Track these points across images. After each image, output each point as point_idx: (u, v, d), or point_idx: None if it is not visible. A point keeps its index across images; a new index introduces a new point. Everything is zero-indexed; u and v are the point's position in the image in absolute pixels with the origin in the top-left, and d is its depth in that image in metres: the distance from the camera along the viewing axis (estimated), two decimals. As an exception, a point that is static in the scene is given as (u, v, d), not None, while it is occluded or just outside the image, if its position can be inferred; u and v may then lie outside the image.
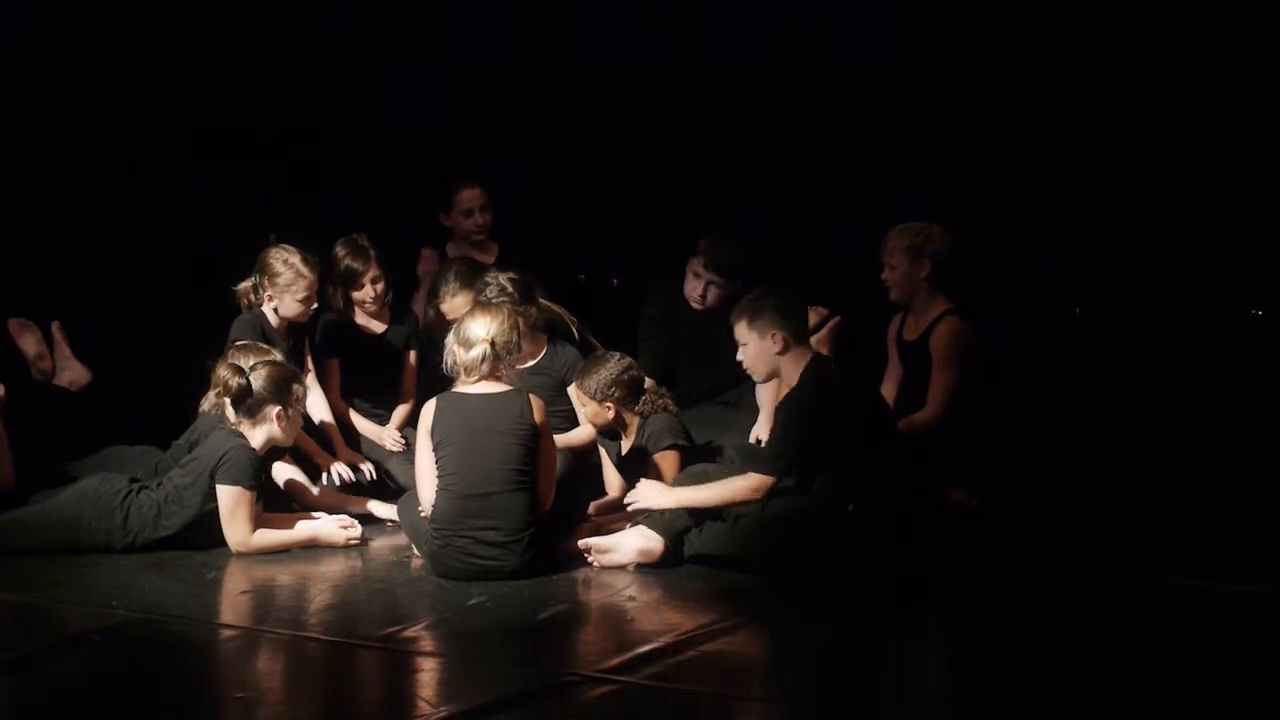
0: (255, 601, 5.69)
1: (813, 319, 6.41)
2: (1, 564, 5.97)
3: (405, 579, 5.95)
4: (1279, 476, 6.92)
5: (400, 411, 7.35)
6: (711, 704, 4.64)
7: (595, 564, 5.98)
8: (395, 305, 7.39)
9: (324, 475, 6.82)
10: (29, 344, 7.04)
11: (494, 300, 6.70)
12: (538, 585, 5.75)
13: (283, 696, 4.76)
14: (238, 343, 6.65)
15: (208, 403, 6.41)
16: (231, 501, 6.13)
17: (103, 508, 6.15)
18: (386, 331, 7.37)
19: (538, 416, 5.95)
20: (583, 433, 6.92)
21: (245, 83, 8.32)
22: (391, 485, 6.97)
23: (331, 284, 7.21)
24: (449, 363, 6.10)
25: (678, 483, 6.16)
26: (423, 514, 5.97)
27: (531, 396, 6.01)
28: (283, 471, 6.68)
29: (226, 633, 5.32)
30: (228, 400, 6.22)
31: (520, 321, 6.32)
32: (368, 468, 6.96)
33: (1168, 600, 5.57)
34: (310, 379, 6.98)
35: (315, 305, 6.95)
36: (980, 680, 4.84)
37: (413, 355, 7.40)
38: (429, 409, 6.00)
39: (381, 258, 7.23)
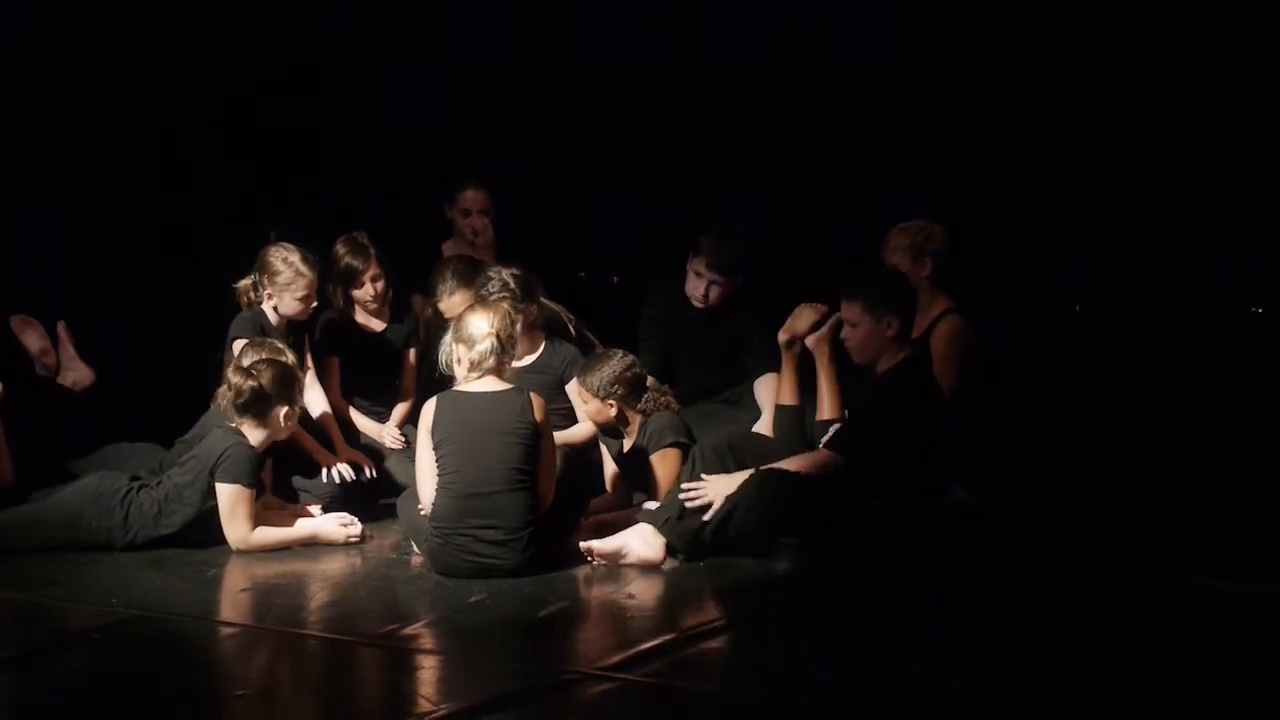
0: (255, 599, 5.69)
1: (813, 316, 6.41)
2: (1, 562, 5.97)
3: (405, 577, 5.95)
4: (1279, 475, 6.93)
5: (400, 409, 7.36)
6: (711, 702, 4.64)
7: (598, 561, 5.99)
8: (395, 303, 7.40)
9: (324, 473, 6.82)
10: (32, 340, 7.04)
11: (495, 295, 6.71)
12: (538, 583, 5.76)
13: (283, 694, 4.76)
14: (237, 340, 6.67)
15: (223, 400, 6.36)
16: (231, 499, 6.13)
17: (103, 506, 6.16)
18: (386, 330, 7.38)
19: (538, 415, 5.95)
20: (582, 430, 6.92)
21: (246, 83, 8.33)
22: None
23: (331, 282, 7.21)
24: (445, 361, 6.10)
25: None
26: (422, 512, 5.97)
27: (532, 395, 6.02)
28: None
29: (226, 630, 5.32)
30: (237, 405, 6.21)
31: (518, 318, 6.32)
32: (368, 466, 6.97)
33: (1168, 599, 5.56)
34: (310, 377, 6.98)
35: (315, 304, 6.96)
36: (981, 680, 4.84)
37: (412, 353, 7.41)
38: (429, 407, 6.00)
39: (381, 256, 7.24)
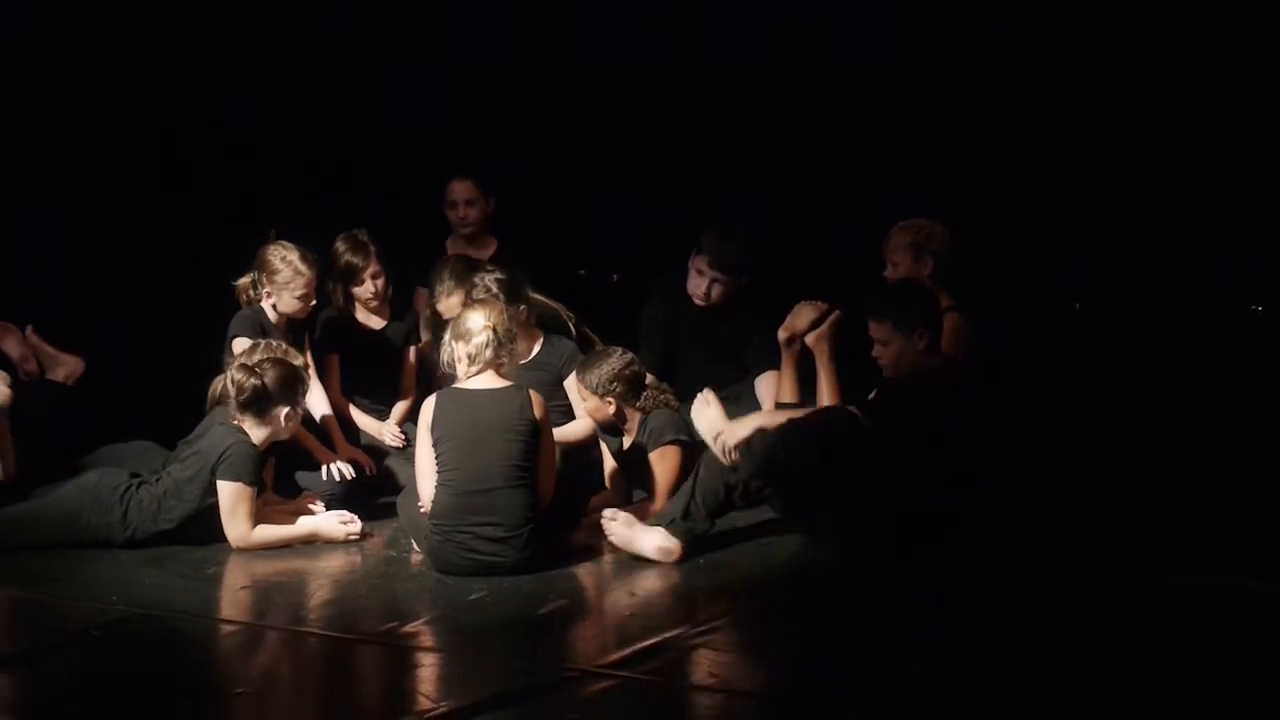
0: (255, 597, 5.69)
1: (812, 314, 6.41)
2: (2, 559, 5.97)
3: (405, 574, 5.95)
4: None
5: (400, 407, 7.36)
6: (711, 700, 4.64)
7: (609, 535, 5.97)
8: (395, 301, 7.40)
9: (324, 471, 6.81)
10: (11, 346, 7.07)
11: (481, 300, 6.71)
12: (538, 580, 5.76)
13: (283, 692, 4.76)
14: (237, 338, 6.68)
15: (218, 388, 6.36)
16: (232, 497, 6.13)
17: (103, 502, 6.15)
18: (386, 327, 7.39)
19: (538, 412, 5.95)
20: (580, 426, 6.92)
21: (244, 83, 8.33)
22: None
23: (331, 280, 7.22)
24: (446, 360, 6.10)
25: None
26: (422, 510, 5.97)
27: (532, 392, 6.02)
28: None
29: (226, 628, 5.33)
30: (238, 401, 6.21)
31: (514, 318, 6.32)
32: (368, 464, 6.97)
33: (1168, 599, 5.56)
34: (312, 378, 6.97)
35: (314, 302, 6.96)
36: (981, 679, 4.83)
37: (412, 351, 7.41)
38: (429, 405, 6.00)
39: (381, 253, 7.24)
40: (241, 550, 6.15)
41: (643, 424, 6.57)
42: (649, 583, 5.80)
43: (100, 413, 7.01)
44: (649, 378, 6.70)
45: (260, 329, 6.80)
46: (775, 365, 6.69)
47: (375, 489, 6.90)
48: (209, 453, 6.16)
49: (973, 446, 6.21)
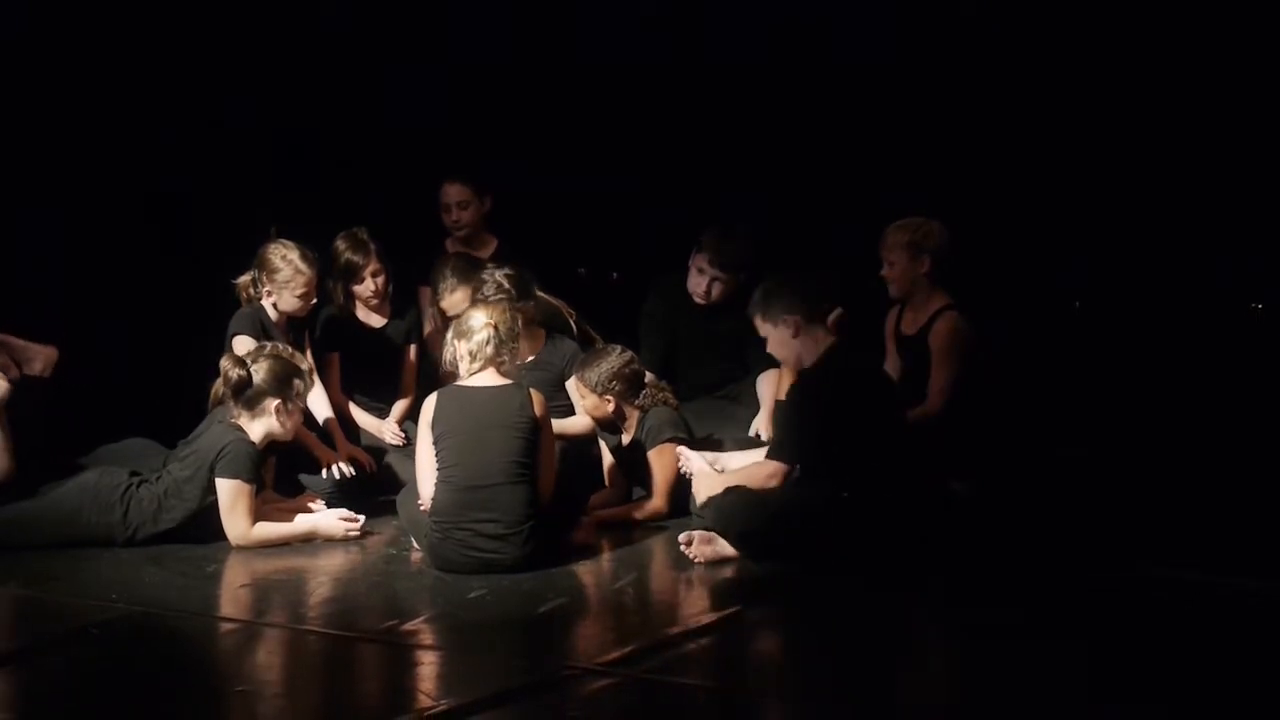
0: (255, 595, 5.69)
1: None
2: (1, 557, 5.96)
3: (405, 572, 5.95)
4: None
5: (400, 405, 7.37)
6: (711, 698, 4.63)
7: (697, 559, 5.92)
8: (395, 299, 7.40)
9: (324, 470, 6.82)
10: None
11: (492, 297, 6.71)
12: (537, 578, 5.76)
13: (282, 690, 4.75)
14: (237, 336, 6.68)
15: (217, 390, 6.37)
16: (230, 494, 6.13)
17: (102, 501, 6.16)
18: (386, 325, 7.39)
19: (538, 410, 5.96)
20: (579, 420, 6.92)
21: (244, 82, 8.33)
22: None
23: (332, 278, 7.23)
24: (449, 359, 6.10)
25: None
26: (422, 507, 5.97)
27: (532, 390, 6.03)
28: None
29: (226, 626, 5.32)
30: (229, 391, 6.21)
31: (518, 316, 6.32)
32: (368, 462, 6.97)
33: (1168, 599, 5.55)
34: (313, 379, 6.97)
35: (314, 301, 6.97)
36: (981, 678, 4.83)
37: (413, 349, 7.42)
38: (430, 402, 6.01)
39: (382, 252, 7.25)
40: (241, 548, 6.15)
41: (641, 422, 6.57)
42: (648, 581, 5.80)
43: (100, 414, 7.01)
44: (648, 376, 6.71)
45: (261, 327, 6.80)
46: (776, 364, 6.70)
47: (375, 487, 6.91)
48: (207, 451, 6.17)
49: (935, 432, 6.20)
